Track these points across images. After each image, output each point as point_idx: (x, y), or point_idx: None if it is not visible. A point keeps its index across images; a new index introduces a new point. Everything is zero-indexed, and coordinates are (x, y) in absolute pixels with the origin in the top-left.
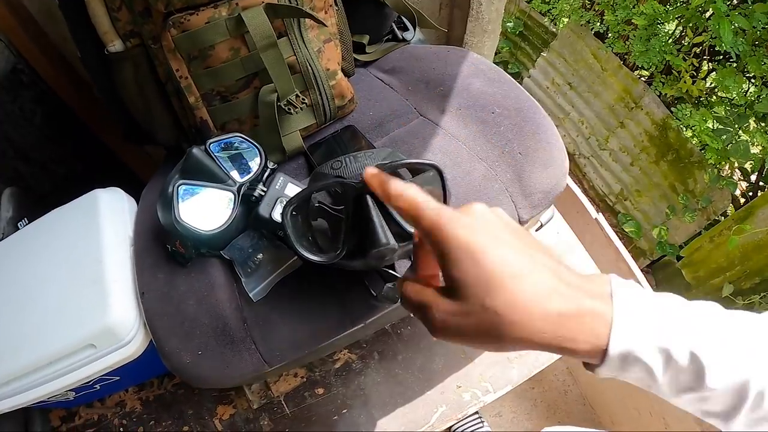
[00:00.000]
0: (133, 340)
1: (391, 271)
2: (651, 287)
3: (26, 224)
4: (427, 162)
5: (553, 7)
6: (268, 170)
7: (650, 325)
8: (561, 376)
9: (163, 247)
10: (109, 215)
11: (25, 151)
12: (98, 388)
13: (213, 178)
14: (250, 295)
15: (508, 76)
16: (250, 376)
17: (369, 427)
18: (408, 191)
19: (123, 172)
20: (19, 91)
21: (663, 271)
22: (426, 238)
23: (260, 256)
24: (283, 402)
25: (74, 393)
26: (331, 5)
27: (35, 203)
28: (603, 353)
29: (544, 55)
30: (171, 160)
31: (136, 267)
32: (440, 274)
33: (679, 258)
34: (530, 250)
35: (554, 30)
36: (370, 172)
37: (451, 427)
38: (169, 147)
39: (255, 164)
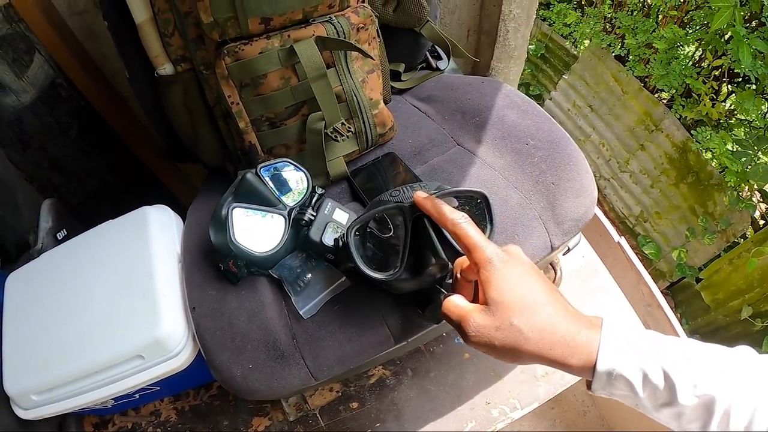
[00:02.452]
0: (181, 353)
1: (441, 288)
2: (670, 309)
3: (65, 235)
4: (475, 190)
5: (575, 30)
6: (316, 195)
7: (630, 350)
8: (580, 396)
9: (211, 265)
10: (158, 231)
11: (60, 162)
12: (137, 397)
13: (265, 201)
14: (301, 312)
15: (540, 108)
16: (297, 389)
17: None
18: (463, 224)
19: (156, 187)
20: (57, 104)
21: (682, 293)
22: (474, 265)
23: (309, 276)
24: (318, 415)
25: (113, 401)
26: (374, 37)
27: (74, 215)
28: (593, 369)
29: (566, 77)
30: (213, 180)
31: (186, 283)
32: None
33: (698, 280)
34: (549, 287)
35: (575, 53)
36: (421, 195)
37: None
38: (210, 167)
39: (299, 188)
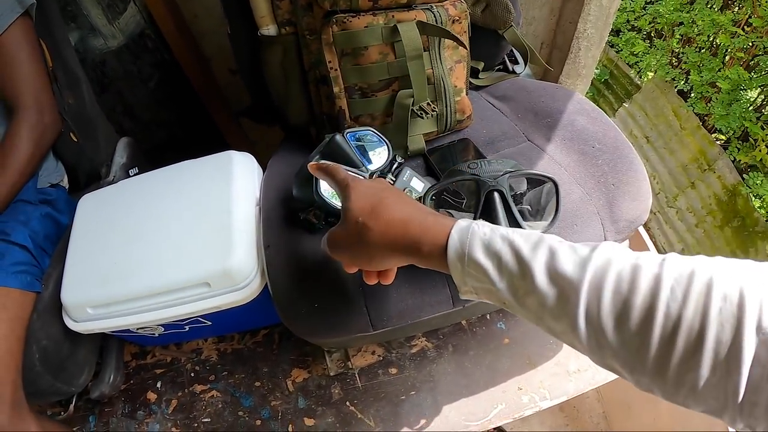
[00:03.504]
0: (247, 287)
1: None
2: None
3: (137, 172)
4: (547, 174)
5: (641, 60)
6: (396, 163)
7: (482, 237)
8: (596, 418)
9: (288, 212)
10: (240, 174)
11: (134, 109)
12: (187, 329)
13: (349, 162)
14: None
15: (608, 117)
16: (353, 336)
17: (432, 411)
18: (331, 164)
19: (221, 147)
20: (142, 54)
21: None
22: (337, 187)
23: None
24: (356, 375)
25: (163, 329)
26: (465, 31)
27: (145, 156)
28: (444, 255)
29: (626, 105)
30: (291, 140)
31: (263, 223)
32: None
33: None
34: (406, 198)
35: (639, 82)
36: (314, 165)
37: None
38: (289, 128)
39: (378, 157)
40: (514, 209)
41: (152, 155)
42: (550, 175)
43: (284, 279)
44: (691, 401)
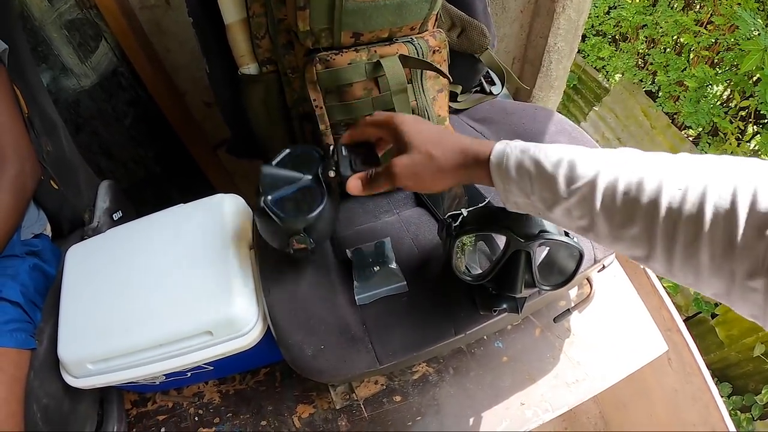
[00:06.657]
0: (250, 332)
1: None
2: (690, 335)
3: (121, 216)
4: (578, 246)
5: (608, 64)
6: None
7: (515, 159)
8: (593, 419)
9: (284, 253)
10: (232, 217)
11: (110, 148)
12: (189, 375)
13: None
14: (356, 298)
15: (588, 136)
16: (360, 372)
17: None
18: (375, 114)
19: (199, 181)
20: (116, 92)
21: (697, 327)
22: (388, 129)
23: (377, 269)
24: (362, 405)
25: (164, 377)
26: (445, 59)
27: (125, 195)
28: (487, 163)
29: (596, 109)
30: None
31: (259, 267)
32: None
33: (713, 316)
34: (448, 130)
35: (607, 86)
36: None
37: None
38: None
39: None
40: (535, 270)
41: (132, 193)
42: (578, 246)
43: (287, 323)
44: (698, 285)
